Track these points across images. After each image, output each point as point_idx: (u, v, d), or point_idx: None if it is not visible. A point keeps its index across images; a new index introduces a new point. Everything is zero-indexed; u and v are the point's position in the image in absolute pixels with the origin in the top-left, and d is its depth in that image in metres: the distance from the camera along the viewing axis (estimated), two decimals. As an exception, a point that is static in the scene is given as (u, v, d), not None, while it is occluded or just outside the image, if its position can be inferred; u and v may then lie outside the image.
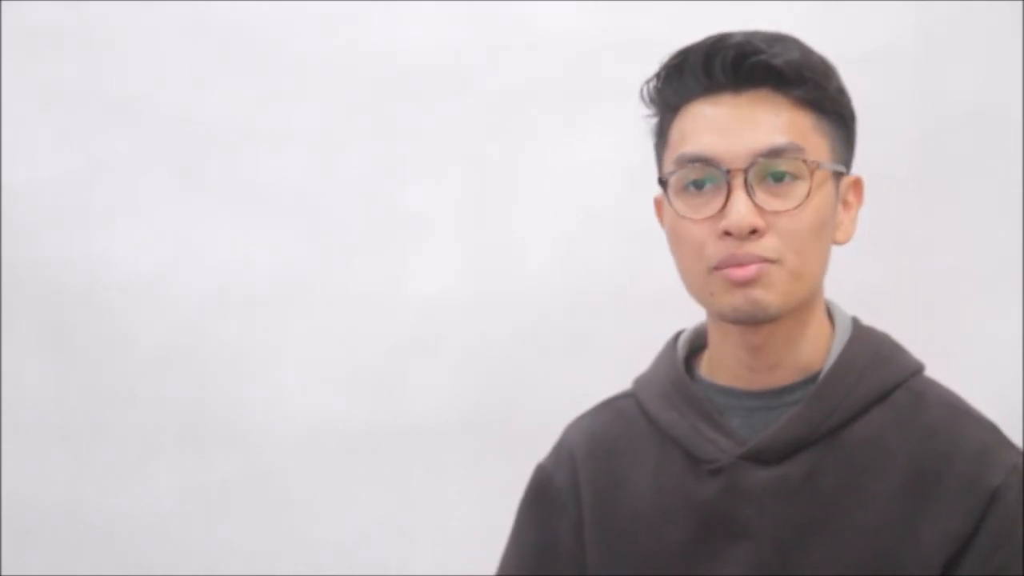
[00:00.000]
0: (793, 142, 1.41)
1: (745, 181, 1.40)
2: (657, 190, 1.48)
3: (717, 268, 1.41)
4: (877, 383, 1.47)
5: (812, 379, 1.47)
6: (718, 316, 1.46)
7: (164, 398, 2.45)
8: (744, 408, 1.48)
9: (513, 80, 2.42)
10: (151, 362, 2.45)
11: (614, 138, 2.32)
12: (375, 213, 2.44)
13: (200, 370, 2.45)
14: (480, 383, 2.41)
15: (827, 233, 1.45)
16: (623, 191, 2.33)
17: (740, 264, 1.40)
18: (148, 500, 2.44)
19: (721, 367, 1.51)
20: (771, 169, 1.41)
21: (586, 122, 2.40)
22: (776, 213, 1.40)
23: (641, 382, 1.58)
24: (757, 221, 1.40)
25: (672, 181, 1.44)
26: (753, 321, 1.43)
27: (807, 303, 1.46)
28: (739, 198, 1.40)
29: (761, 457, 1.44)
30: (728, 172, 1.40)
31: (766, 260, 1.40)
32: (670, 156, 1.45)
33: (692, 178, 1.43)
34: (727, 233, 1.40)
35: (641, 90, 1.49)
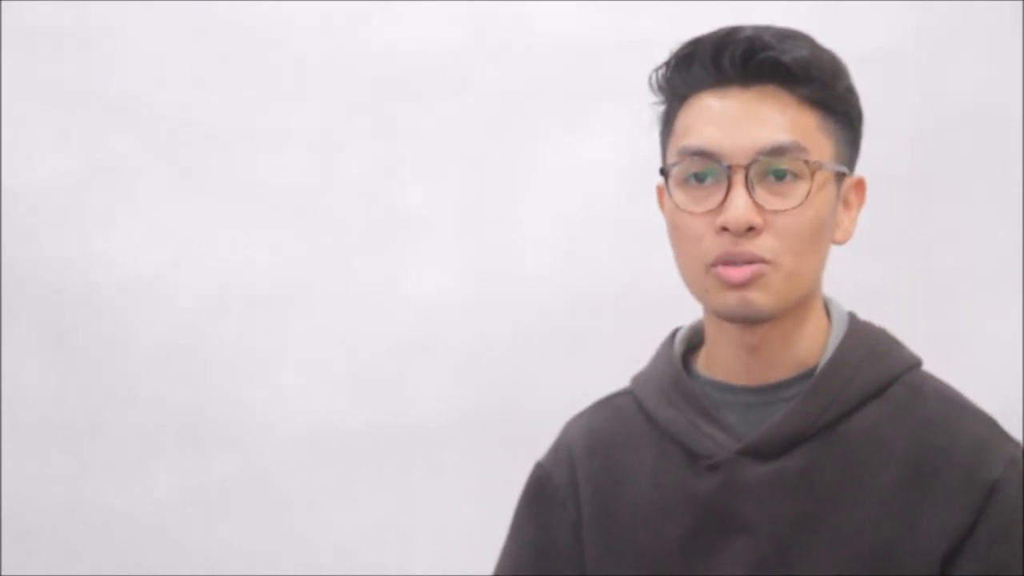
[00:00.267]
0: (796, 141, 1.41)
1: (746, 178, 1.40)
2: (659, 179, 1.48)
3: (714, 265, 1.41)
4: (874, 377, 1.47)
5: (809, 374, 1.47)
6: (713, 313, 1.46)
7: (164, 398, 2.45)
8: (741, 404, 1.48)
9: (513, 80, 2.42)
10: (151, 362, 2.45)
11: (614, 138, 2.32)
12: (375, 213, 2.44)
13: (200, 370, 2.45)
14: (480, 383, 2.41)
15: (826, 233, 1.45)
16: (623, 191, 2.33)
17: (735, 264, 1.40)
18: (148, 500, 2.44)
19: (718, 363, 1.51)
20: (772, 167, 1.41)
21: (586, 122, 2.40)
22: (775, 212, 1.40)
23: (639, 379, 1.58)
24: (755, 219, 1.40)
25: (674, 172, 1.44)
26: (748, 321, 1.43)
27: (803, 302, 1.46)
28: (739, 195, 1.40)
29: (758, 452, 1.45)
30: (729, 168, 1.40)
31: (762, 260, 1.40)
32: (674, 146, 1.45)
33: (693, 171, 1.43)
34: (725, 229, 1.40)
35: (650, 77, 1.48)
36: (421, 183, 2.44)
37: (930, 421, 1.45)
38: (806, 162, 1.41)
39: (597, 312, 2.38)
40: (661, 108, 1.49)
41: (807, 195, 1.41)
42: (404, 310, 2.43)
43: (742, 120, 1.41)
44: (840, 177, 1.46)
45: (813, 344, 1.49)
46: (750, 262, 1.40)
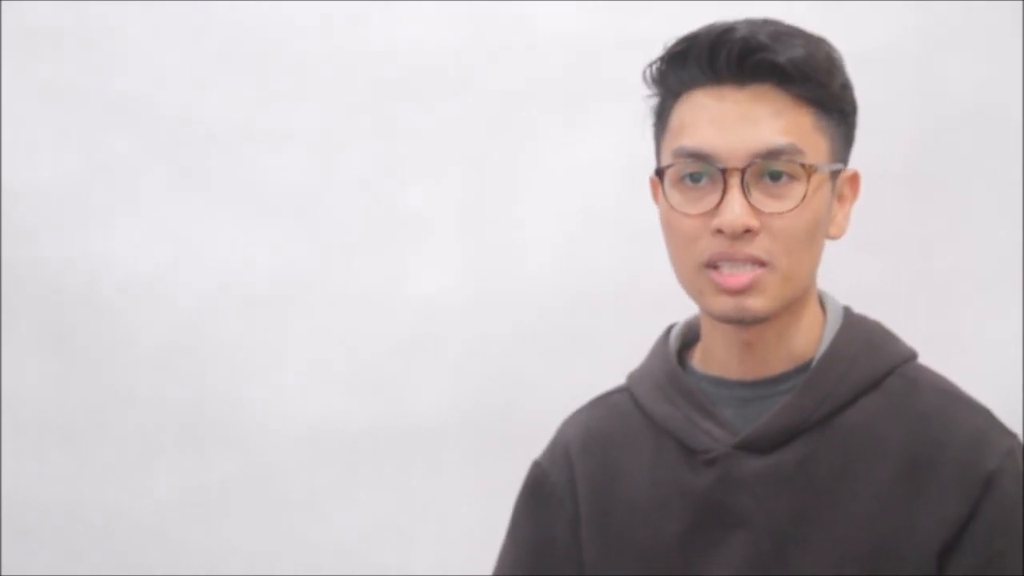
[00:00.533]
0: (792, 143, 1.41)
1: (742, 180, 1.40)
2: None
3: (708, 265, 1.41)
4: (869, 370, 1.47)
5: (804, 368, 1.48)
6: (708, 314, 1.47)
7: (164, 398, 2.45)
8: (737, 398, 1.48)
9: (513, 80, 2.42)
10: (151, 362, 2.45)
11: (614, 138, 2.32)
12: (375, 213, 2.44)
13: (200, 370, 2.45)
14: (480, 383, 2.41)
15: (821, 232, 1.45)
16: (623, 191, 2.33)
17: (732, 261, 1.40)
18: (148, 500, 2.44)
19: (714, 359, 1.51)
20: (768, 169, 1.41)
21: (586, 122, 2.40)
22: (771, 214, 1.40)
23: (635, 376, 1.58)
24: (751, 221, 1.40)
25: (669, 172, 1.44)
26: (743, 323, 1.44)
27: (799, 298, 1.46)
28: (734, 198, 1.40)
29: (754, 446, 1.45)
30: (725, 170, 1.40)
31: (758, 261, 1.40)
32: (669, 144, 1.45)
33: (689, 171, 1.43)
34: (720, 231, 1.40)
35: (644, 71, 1.48)
36: (421, 183, 2.44)
37: (926, 414, 1.45)
38: (802, 165, 1.41)
39: (597, 312, 2.38)
40: (654, 101, 1.49)
41: (803, 197, 1.41)
42: (404, 310, 2.43)
43: (737, 122, 1.41)
44: (835, 173, 1.46)
45: (808, 338, 1.49)
46: (746, 262, 1.40)
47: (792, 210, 1.40)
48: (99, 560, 2.44)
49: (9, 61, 2.47)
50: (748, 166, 1.40)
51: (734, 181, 1.40)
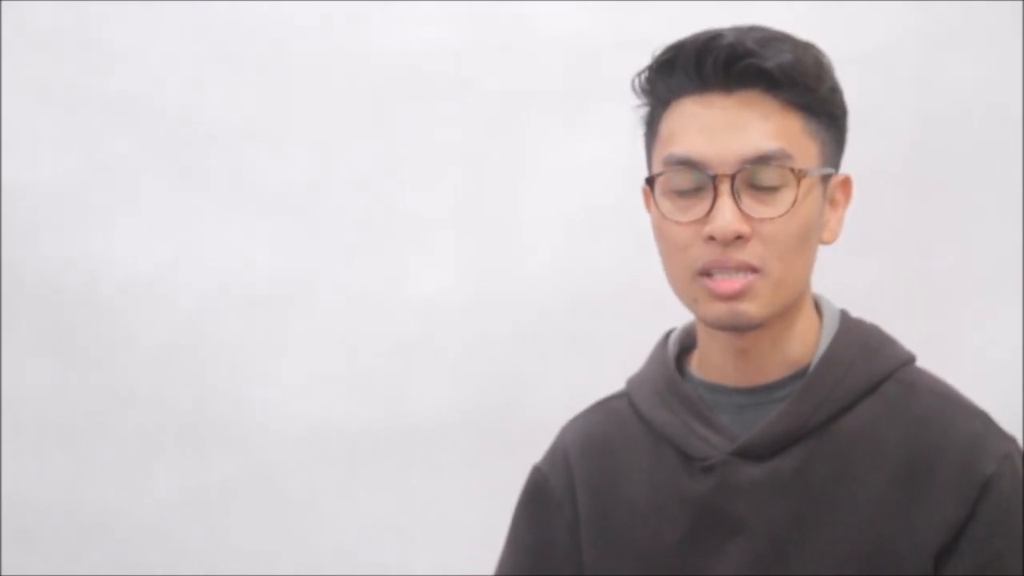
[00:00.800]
0: (781, 148, 1.41)
1: (732, 187, 1.40)
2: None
3: (701, 273, 1.41)
4: (866, 374, 1.47)
5: (801, 373, 1.47)
6: (703, 322, 1.47)
7: (164, 398, 2.45)
8: (735, 405, 1.48)
9: (513, 80, 2.42)
10: (151, 362, 2.45)
11: (614, 138, 2.30)
12: (375, 213, 2.44)
13: (200, 370, 2.45)
14: (480, 383, 2.41)
15: (813, 237, 1.45)
16: (623, 191, 2.31)
17: (724, 270, 1.40)
18: (148, 500, 2.44)
19: (711, 365, 1.51)
20: (758, 175, 1.41)
21: (586, 122, 2.40)
22: (762, 220, 1.40)
23: (634, 382, 1.58)
24: (742, 227, 1.40)
25: (659, 180, 1.44)
26: (738, 330, 1.44)
27: (793, 304, 1.46)
28: (725, 204, 1.40)
29: (752, 453, 1.45)
30: (715, 177, 1.40)
31: (750, 267, 1.40)
32: (659, 153, 1.45)
33: (679, 180, 1.43)
34: (712, 238, 1.40)
35: (632, 80, 1.48)
36: (421, 183, 2.44)
37: (924, 418, 1.45)
38: (792, 170, 1.41)
39: (597, 312, 2.38)
40: (644, 111, 1.49)
41: (794, 202, 1.41)
42: (404, 310, 2.43)
43: (726, 128, 1.41)
44: (826, 178, 1.46)
45: (805, 343, 1.48)
46: (739, 269, 1.40)
47: (783, 215, 1.40)
48: (99, 560, 2.44)
49: (9, 61, 2.47)
50: (738, 172, 1.40)
51: (724, 188, 1.40)
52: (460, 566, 2.35)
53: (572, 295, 2.40)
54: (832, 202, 1.47)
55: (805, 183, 1.42)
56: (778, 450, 1.44)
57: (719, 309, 1.42)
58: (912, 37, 2.32)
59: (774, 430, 1.44)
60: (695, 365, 1.54)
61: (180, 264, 2.46)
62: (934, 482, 1.41)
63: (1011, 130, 2.29)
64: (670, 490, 1.48)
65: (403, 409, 2.43)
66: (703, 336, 1.51)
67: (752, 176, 1.40)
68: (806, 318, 1.49)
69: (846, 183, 1.49)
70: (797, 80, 1.42)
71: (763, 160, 1.40)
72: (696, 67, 1.42)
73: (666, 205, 1.43)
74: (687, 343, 1.57)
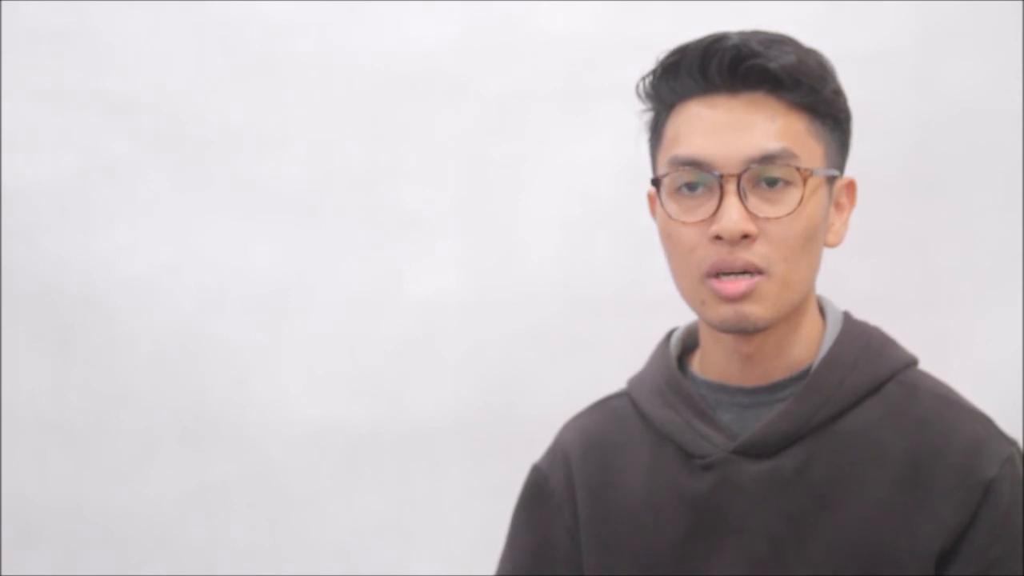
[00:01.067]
0: (787, 148, 1.41)
1: (738, 186, 1.40)
2: (650, 187, 1.48)
3: (708, 275, 1.42)
4: (868, 376, 1.47)
5: (804, 374, 1.48)
6: (709, 325, 1.47)
7: (164, 398, 2.45)
8: (737, 404, 1.49)
9: (513, 80, 2.42)
10: (151, 362, 2.45)
11: (614, 138, 2.31)
12: (375, 213, 2.44)
13: (200, 370, 2.45)
14: (480, 383, 2.41)
15: (818, 238, 1.45)
16: (623, 191, 2.33)
17: (730, 272, 1.40)
18: (148, 500, 2.44)
19: (713, 366, 1.51)
20: (764, 175, 1.41)
21: (586, 122, 2.40)
22: (768, 219, 1.41)
23: (635, 381, 1.58)
24: (748, 227, 1.40)
25: (665, 182, 1.44)
26: (744, 333, 1.44)
27: (798, 308, 1.46)
28: (731, 204, 1.40)
29: (753, 451, 1.45)
30: (721, 177, 1.40)
31: (756, 268, 1.40)
32: (664, 155, 1.46)
33: (685, 180, 1.43)
34: (718, 238, 1.40)
35: (637, 85, 1.49)
36: (421, 183, 2.44)
37: (925, 420, 1.45)
38: (797, 169, 1.41)
39: (597, 313, 2.38)
40: (648, 115, 1.49)
41: (799, 202, 1.41)
42: (404, 310, 2.43)
43: (732, 129, 1.41)
44: (831, 180, 1.46)
45: (808, 345, 1.49)
46: (745, 270, 1.40)
47: (789, 215, 1.41)
48: (99, 560, 2.44)
49: (9, 61, 2.47)
50: (744, 171, 1.40)
51: (730, 187, 1.40)
52: (460, 566, 2.35)
53: (572, 295, 2.40)
54: (837, 205, 1.48)
55: (811, 183, 1.42)
56: (779, 449, 1.45)
57: (726, 312, 1.42)
58: (912, 37, 2.32)
59: (775, 429, 1.45)
60: (697, 365, 1.54)
61: (180, 264, 2.46)
62: (935, 485, 1.41)
63: (1011, 130, 2.29)
64: (670, 489, 1.48)
65: (403, 409, 2.43)
66: (706, 337, 1.51)
67: (758, 175, 1.41)
68: (810, 320, 1.49)
69: (851, 187, 1.49)
70: (801, 81, 1.42)
71: (769, 160, 1.41)
72: (701, 69, 1.42)
73: (672, 206, 1.44)
74: (689, 343, 1.57)
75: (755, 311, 1.41)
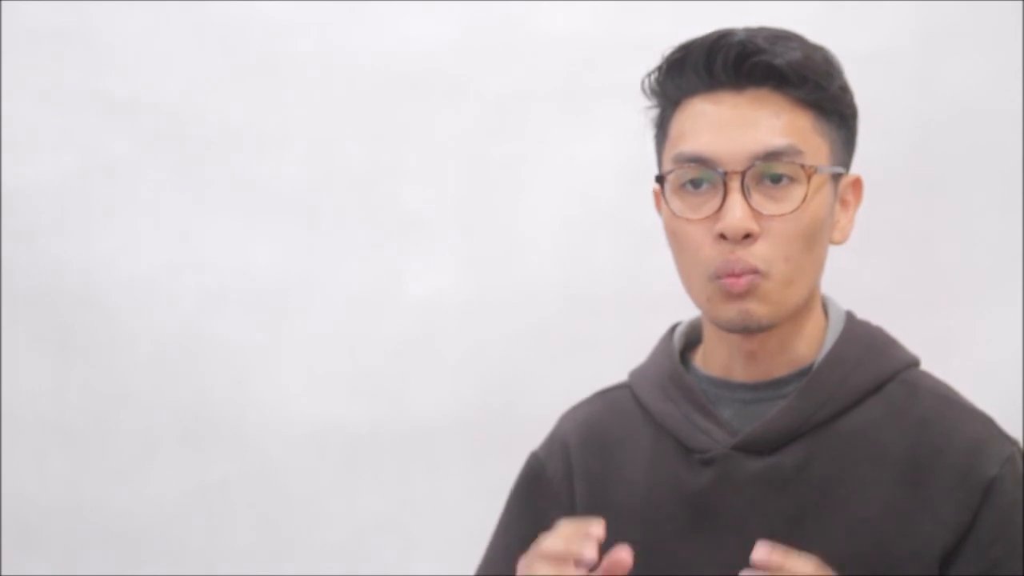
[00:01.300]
0: (792, 144, 1.41)
1: (742, 183, 1.40)
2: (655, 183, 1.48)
3: (717, 276, 1.41)
4: (870, 375, 1.47)
5: (806, 371, 1.48)
6: (714, 324, 1.47)
7: (164, 398, 2.45)
8: (738, 400, 1.49)
9: (513, 80, 2.42)
10: (151, 362, 2.45)
11: (615, 138, 2.32)
12: (375, 213, 2.44)
13: (200, 370, 2.45)
14: (480, 383, 2.41)
15: (823, 236, 1.45)
16: (624, 191, 2.33)
17: (733, 273, 1.40)
18: (148, 500, 2.44)
19: (716, 362, 1.51)
20: (768, 171, 1.41)
21: (586, 122, 2.40)
22: (772, 217, 1.40)
23: (636, 373, 1.58)
24: (752, 225, 1.40)
25: (670, 179, 1.44)
26: (747, 331, 1.44)
27: (802, 306, 1.46)
28: (735, 201, 1.40)
29: (753, 448, 1.45)
30: (725, 173, 1.40)
31: (756, 271, 1.40)
32: (669, 152, 1.46)
33: (689, 177, 1.43)
34: (722, 236, 1.40)
35: (642, 82, 1.49)
36: (421, 183, 2.44)
37: (926, 420, 1.45)
38: (802, 166, 1.41)
39: (597, 312, 2.38)
40: (654, 112, 1.49)
41: (804, 199, 1.41)
42: (404, 310, 2.43)
43: (736, 125, 1.41)
44: (836, 177, 1.46)
45: (811, 342, 1.49)
46: (744, 272, 1.40)
47: (793, 212, 1.41)
48: (99, 560, 2.44)
49: (9, 61, 2.47)
50: (748, 168, 1.40)
51: (734, 184, 1.40)
52: (460, 566, 2.34)
53: (572, 295, 2.40)
54: (843, 202, 1.48)
55: (815, 180, 1.42)
56: (779, 446, 1.45)
57: (730, 311, 1.42)
58: (912, 37, 2.32)
59: (776, 425, 1.45)
60: (700, 360, 1.54)
61: (180, 264, 2.46)
62: (935, 484, 1.41)
63: (1011, 130, 2.29)
64: (669, 483, 1.48)
65: (403, 409, 2.43)
66: (710, 333, 1.51)
67: (762, 172, 1.41)
68: (814, 319, 1.49)
69: (857, 184, 1.49)
70: (807, 77, 1.42)
71: (773, 156, 1.40)
72: (706, 65, 1.42)
73: (677, 203, 1.43)
74: (692, 338, 1.57)
75: (758, 310, 1.41)
